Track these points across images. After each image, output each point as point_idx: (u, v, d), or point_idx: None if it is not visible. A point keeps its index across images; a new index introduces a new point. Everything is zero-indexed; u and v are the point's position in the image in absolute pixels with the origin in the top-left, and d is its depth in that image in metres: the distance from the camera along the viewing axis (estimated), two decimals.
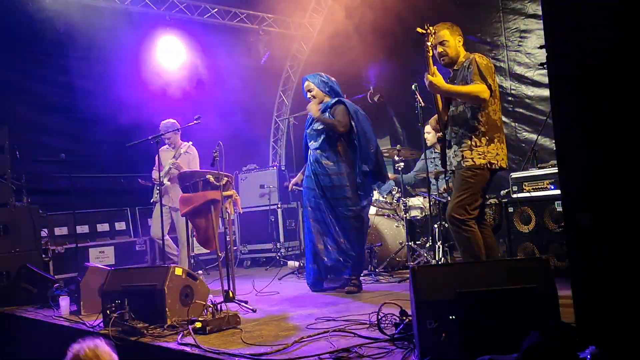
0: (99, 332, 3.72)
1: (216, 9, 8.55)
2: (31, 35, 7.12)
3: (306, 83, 5.16)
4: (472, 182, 3.59)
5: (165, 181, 6.30)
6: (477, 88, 3.54)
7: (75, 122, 7.91)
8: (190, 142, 6.55)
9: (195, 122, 5.02)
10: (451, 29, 3.80)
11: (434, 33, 3.71)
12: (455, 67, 3.81)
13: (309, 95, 5.13)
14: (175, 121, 6.45)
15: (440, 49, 3.79)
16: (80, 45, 7.40)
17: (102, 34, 7.36)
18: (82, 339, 2.42)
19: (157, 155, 5.88)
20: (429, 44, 3.64)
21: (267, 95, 10.08)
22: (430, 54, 3.66)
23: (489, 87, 3.56)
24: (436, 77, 3.62)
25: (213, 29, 8.71)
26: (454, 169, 3.73)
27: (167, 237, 6.30)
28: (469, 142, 3.62)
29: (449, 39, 3.78)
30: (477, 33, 7.18)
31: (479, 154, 3.57)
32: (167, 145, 6.56)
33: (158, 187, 6.26)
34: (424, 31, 3.66)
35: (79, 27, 7.25)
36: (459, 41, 3.81)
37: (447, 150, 3.79)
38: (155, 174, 6.37)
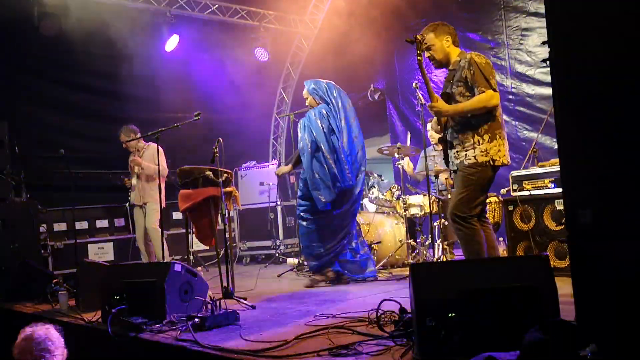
0: (98, 328, 3.72)
1: (217, 5, 8.54)
2: (32, 30, 7.10)
3: (304, 91, 5.42)
4: (474, 180, 3.59)
5: (133, 181, 6.39)
6: (484, 97, 3.52)
7: (75, 118, 7.90)
8: (149, 143, 6.53)
9: (195, 118, 5.01)
10: (436, 31, 3.77)
11: (423, 41, 3.69)
12: (450, 67, 3.78)
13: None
14: (133, 126, 6.47)
15: (427, 54, 3.79)
16: (81, 41, 7.38)
17: (103, 30, 7.35)
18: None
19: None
20: (420, 58, 3.62)
21: (268, 92, 10.08)
22: (424, 71, 3.64)
23: (493, 88, 3.55)
24: (438, 103, 3.64)
25: (214, 25, 8.70)
26: (456, 168, 3.71)
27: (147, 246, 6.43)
28: (471, 141, 3.61)
29: (434, 42, 3.76)
30: (478, 31, 7.17)
31: (482, 152, 3.56)
32: (132, 152, 6.56)
33: (130, 191, 6.43)
34: (413, 40, 3.63)
35: (80, 23, 7.23)
36: (447, 40, 3.76)
37: (449, 151, 3.78)
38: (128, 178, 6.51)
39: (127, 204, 6.73)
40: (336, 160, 5.01)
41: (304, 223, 5.20)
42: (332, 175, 4.99)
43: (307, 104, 5.37)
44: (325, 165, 5.00)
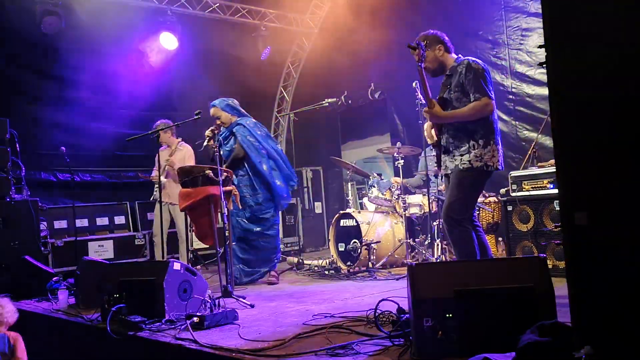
0: (97, 327, 3.73)
1: (218, 4, 8.53)
2: (33, 28, 7.10)
3: (212, 110, 5.56)
4: (467, 184, 3.61)
5: (162, 179, 6.43)
6: (479, 104, 3.54)
7: (76, 116, 7.91)
8: (180, 139, 6.78)
9: (195, 117, 5.02)
10: (427, 42, 3.77)
11: (424, 47, 3.69)
12: (447, 73, 3.79)
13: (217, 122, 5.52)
14: (168, 121, 6.57)
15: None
16: (82, 39, 7.39)
17: (104, 27, 7.35)
18: None
19: (157, 156, 6.07)
20: (420, 65, 3.61)
21: (268, 90, 10.07)
22: (423, 79, 3.63)
23: (489, 95, 3.56)
24: (434, 109, 3.65)
25: (214, 24, 8.69)
26: (449, 172, 3.73)
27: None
28: (467, 145, 3.62)
29: (427, 54, 3.76)
30: (478, 31, 7.17)
31: (476, 157, 3.58)
32: (164, 146, 6.75)
33: (157, 186, 6.40)
34: (415, 47, 3.62)
35: (80, 21, 7.23)
36: (439, 49, 3.78)
37: (443, 155, 3.79)
38: (155, 173, 6.54)
39: (152, 198, 6.83)
40: (283, 162, 5.46)
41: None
42: (290, 175, 5.48)
43: (221, 121, 5.47)
44: (281, 167, 5.42)
